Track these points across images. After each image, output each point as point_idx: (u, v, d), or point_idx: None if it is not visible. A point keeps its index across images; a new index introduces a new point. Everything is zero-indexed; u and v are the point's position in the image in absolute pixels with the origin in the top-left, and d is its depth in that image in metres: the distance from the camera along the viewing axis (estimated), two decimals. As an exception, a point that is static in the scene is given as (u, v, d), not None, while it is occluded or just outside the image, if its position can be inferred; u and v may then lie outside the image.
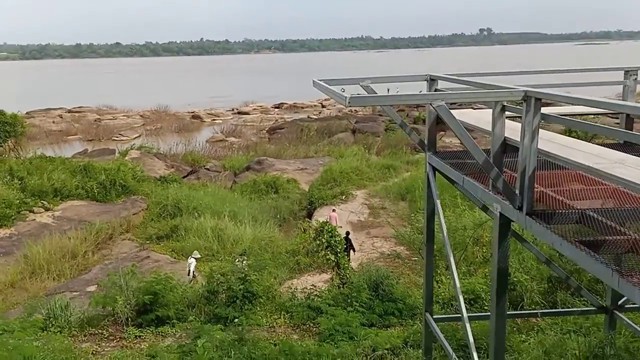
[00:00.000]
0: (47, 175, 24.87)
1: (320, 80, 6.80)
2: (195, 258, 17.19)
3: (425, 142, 7.82)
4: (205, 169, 34.77)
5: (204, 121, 63.98)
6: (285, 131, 49.39)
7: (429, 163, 7.78)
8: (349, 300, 14.46)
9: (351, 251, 19.05)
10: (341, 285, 15.84)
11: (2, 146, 29.14)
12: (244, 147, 43.76)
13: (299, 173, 33.10)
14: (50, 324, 13.15)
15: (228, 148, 44.58)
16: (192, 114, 66.54)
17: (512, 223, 5.74)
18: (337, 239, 17.53)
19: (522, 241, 8.63)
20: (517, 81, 7.14)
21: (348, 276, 16.39)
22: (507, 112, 5.69)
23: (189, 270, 16.81)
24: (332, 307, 13.98)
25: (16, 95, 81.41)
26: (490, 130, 5.65)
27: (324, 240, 17.76)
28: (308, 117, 61.01)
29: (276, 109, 73.87)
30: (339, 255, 17.32)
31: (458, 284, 6.89)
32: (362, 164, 33.46)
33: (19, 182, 24.22)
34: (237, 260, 15.78)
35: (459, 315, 10.70)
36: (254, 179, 30.43)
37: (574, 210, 5.05)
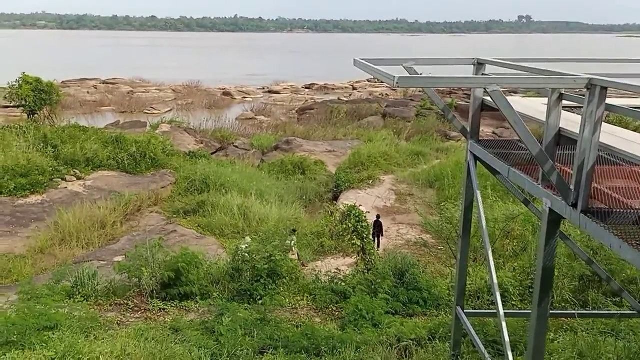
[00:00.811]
0: (80, 145, 25.17)
1: (362, 60, 6.50)
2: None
3: (468, 129, 7.44)
4: (234, 146, 34.80)
5: (235, 98, 64.00)
6: (315, 112, 49.02)
7: (471, 151, 7.42)
8: (373, 287, 14.27)
9: (380, 236, 19.10)
10: (366, 271, 15.65)
11: (37, 114, 29.56)
12: (273, 127, 43.63)
13: (327, 155, 32.88)
14: (77, 292, 13.32)
15: (257, 126, 44.51)
16: (223, 90, 66.60)
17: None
18: (364, 224, 17.30)
19: (564, 238, 8.23)
20: (569, 69, 6.71)
21: (373, 262, 16.19)
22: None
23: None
24: (357, 293, 13.81)
25: (53, 64, 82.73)
26: (544, 120, 5.27)
27: (350, 225, 17.56)
28: (338, 99, 60.43)
29: (307, 90, 73.40)
30: (365, 240, 17.12)
31: (495, 280, 6.58)
32: (391, 149, 33.04)
33: (53, 150, 24.58)
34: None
35: (491, 310, 10.41)
36: (282, 158, 30.35)
37: (632, 210, 4.68)
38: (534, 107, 6.69)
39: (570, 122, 5.50)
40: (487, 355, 7.09)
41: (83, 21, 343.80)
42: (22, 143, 24.62)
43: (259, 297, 13.37)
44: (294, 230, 17.55)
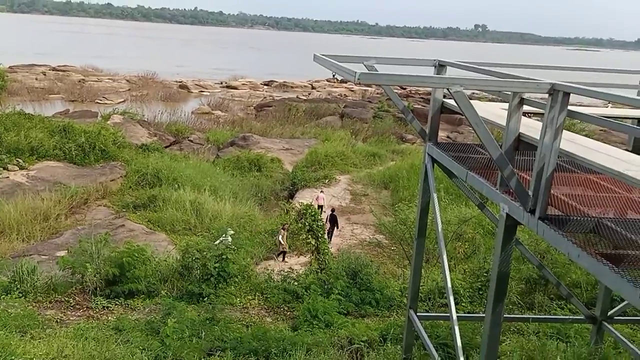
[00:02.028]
0: (25, 133, 23.93)
1: (323, 55, 6.30)
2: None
3: (427, 131, 7.37)
4: (189, 140, 34.02)
5: (191, 92, 62.75)
6: (273, 109, 48.62)
7: (429, 154, 7.35)
8: (326, 287, 14.14)
9: (335, 228, 19.65)
10: (319, 271, 15.50)
11: (-22, 98, 28.04)
12: (230, 122, 42.98)
13: (284, 153, 32.63)
14: (15, 288, 12.58)
15: (213, 121, 43.75)
16: (180, 83, 65.19)
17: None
18: (319, 223, 17.18)
19: (516, 243, 8.29)
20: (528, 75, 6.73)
21: (327, 262, 16.07)
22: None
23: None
24: (309, 292, 13.64)
25: (0, 48, 78.85)
26: (504, 124, 5.21)
27: (306, 223, 17.40)
28: (297, 97, 60.20)
29: (265, 86, 72.80)
30: (319, 240, 16.99)
31: (449, 284, 6.53)
32: (348, 149, 33.18)
33: (-6, 137, 23.28)
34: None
35: (443, 314, 10.44)
36: (238, 155, 29.90)
37: (589, 218, 4.67)
38: (494, 111, 6.67)
39: (530, 127, 5.47)
40: (438, 359, 7.04)
41: (35, 5, 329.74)
42: (-39, 129, 23.22)
43: (207, 295, 12.99)
44: (284, 225, 17.66)
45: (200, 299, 12.98)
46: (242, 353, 9.75)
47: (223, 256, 13.67)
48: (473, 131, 7.51)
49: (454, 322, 6.32)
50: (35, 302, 12.34)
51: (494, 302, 5.45)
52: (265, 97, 60.54)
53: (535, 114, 6.59)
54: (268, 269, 15.70)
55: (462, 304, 13.21)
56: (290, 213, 19.98)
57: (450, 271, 14.90)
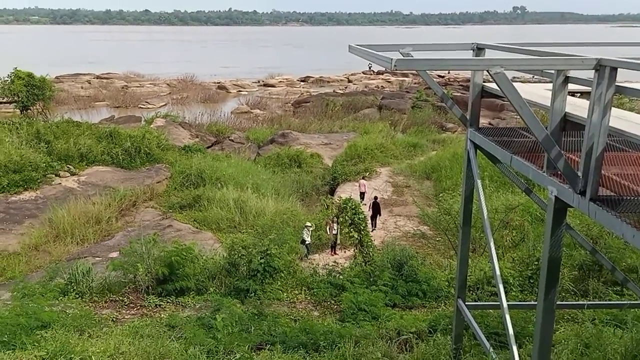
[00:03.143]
0: (74, 140, 24.84)
1: (358, 46, 6.26)
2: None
3: (468, 117, 7.22)
4: (230, 140, 34.51)
5: (230, 92, 63.63)
6: (310, 105, 48.75)
7: (471, 140, 7.20)
8: (371, 279, 14.12)
9: (378, 215, 19.98)
10: (364, 264, 15.48)
11: (30, 109, 29.17)
12: (269, 120, 43.37)
13: (323, 148, 32.68)
14: (72, 289, 13.10)
15: (253, 120, 44.24)
16: (218, 84, 66.20)
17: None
18: (360, 216, 17.14)
19: (567, 228, 8.02)
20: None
21: (371, 254, 16.03)
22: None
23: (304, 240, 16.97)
24: (355, 285, 13.66)
25: (46, 59, 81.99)
26: (548, 105, 5.05)
27: (347, 218, 17.39)
28: (334, 91, 60.13)
29: (302, 82, 73.04)
30: (362, 233, 16.95)
31: (498, 272, 6.39)
32: (387, 141, 32.93)
33: (46, 145, 24.23)
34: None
35: (492, 302, 10.24)
36: (278, 152, 30.15)
37: (643, 198, 4.48)
38: (537, 92, 6.47)
39: (576, 106, 5.28)
40: (490, 348, 6.92)
41: (76, 16, 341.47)
42: (15, 139, 24.25)
43: (254, 291, 13.18)
44: (337, 217, 17.73)
45: (248, 294, 13.18)
46: (291, 346, 9.85)
47: (268, 252, 13.84)
48: (516, 116, 7.25)
49: (505, 311, 6.19)
50: (91, 302, 12.82)
51: (545, 289, 5.30)
52: (302, 93, 60.76)
53: (581, 93, 6.35)
54: (313, 264, 15.80)
55: (512, 293, 12.93)
56: (331, 208, 20.01)
57: (498, 260, 14.69)
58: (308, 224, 17.58)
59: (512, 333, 6.07)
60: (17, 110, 29.99)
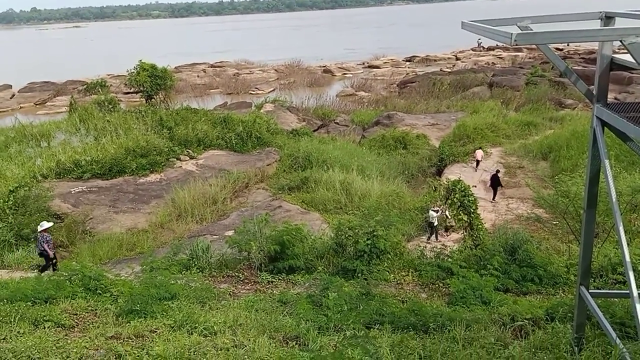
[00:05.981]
0: (192, 126, 26.61)
1: (472, 22, 6.03)
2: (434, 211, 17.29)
3: (595, 92, 6.67)
4: (335, 123, 34.95)
5: (335, 75, 64.23)
6: (416, 85, 47.81)
7: (598, 116, 6.64)
8: (481, 263, 13.70)
9: (499, 187, 21.06)
10: (474, 247, 15.05)
11: (154, 98, 31.55)
12: (374, 102, 43.27)
13: (430, 128, 32.02)
14: (193, 264, 14.14)
15: (357, 102, 44.38)
16: (324, 68, 67.04)
17: None
18: (470, 198, 16.64)
19: None
20: None
21: (481, 238, 15.53)
22: None
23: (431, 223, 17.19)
24: (464, 269, 13.34)
25: (166, 50, 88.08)
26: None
27: (455, 200, 16.97)
28: (441, 70, 58.38)
29: (407, 62, 71.71)
30: (472, 215, 16.46)
31: (628, 258, 5.90)
32: (499, 120, 31.52)
33: (168, 131, 26.22)
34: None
35: (620, 291, 9.50)
36: (383, 133, 30.04)
37: None
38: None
39: None
40: (617, 339, 6.45)
41: (192, 8, 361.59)
42: (141, 126, 26.49)
43: (361, 271, 13.35)
44: (446, 199, 18.04)
45: (355, 274, 13.39)
46: (400, 327, 9.88)
47: (374, 233, 13.92)
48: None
49: (635, 300, 5.72)
50: (210, 277, 13.75)
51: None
52: (407, 74, 59.73)
53: None
54: (420, 246, 15.65)
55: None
56: (438, 190, 19.62)
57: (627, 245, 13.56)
58: (436, 208, 17.58)
59: (643, 324, 5.60)
60: (143, 99, 32.55)
